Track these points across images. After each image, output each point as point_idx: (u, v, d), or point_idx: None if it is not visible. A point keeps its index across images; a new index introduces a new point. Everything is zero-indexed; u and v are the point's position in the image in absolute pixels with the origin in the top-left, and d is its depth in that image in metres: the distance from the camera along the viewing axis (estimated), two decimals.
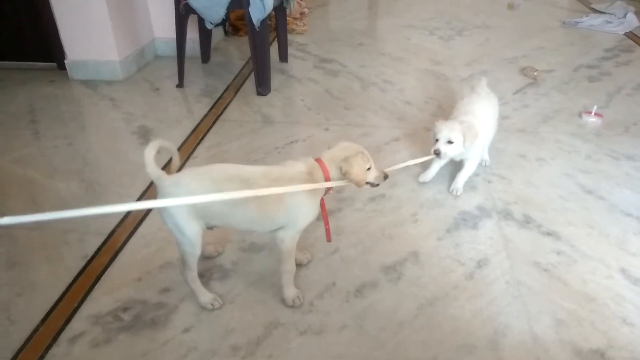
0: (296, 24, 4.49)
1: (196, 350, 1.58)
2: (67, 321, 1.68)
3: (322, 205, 1.66)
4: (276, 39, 3.81)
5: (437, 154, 2.12)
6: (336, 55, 3.94)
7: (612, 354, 1.58)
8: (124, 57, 3.46)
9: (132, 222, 2.11)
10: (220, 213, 1.55)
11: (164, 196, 1.50)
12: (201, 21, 3.39)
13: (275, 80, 3.47)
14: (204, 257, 1.91)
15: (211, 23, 3.27)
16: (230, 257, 1.95)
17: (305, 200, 1.56)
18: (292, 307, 1.73)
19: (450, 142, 2.11)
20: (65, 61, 3.45)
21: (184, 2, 3.11)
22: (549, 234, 2.06)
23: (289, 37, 3.96)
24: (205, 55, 3.77)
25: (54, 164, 2.54)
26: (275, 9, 3.33)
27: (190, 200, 1.42)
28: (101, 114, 3.05)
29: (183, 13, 3.19)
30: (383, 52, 4.02)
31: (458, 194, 2.29)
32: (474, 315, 1.71)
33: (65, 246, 2.00)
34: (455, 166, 2.47)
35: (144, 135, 2.77)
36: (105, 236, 2.04)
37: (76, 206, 2.17)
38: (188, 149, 2.64)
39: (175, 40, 3.29)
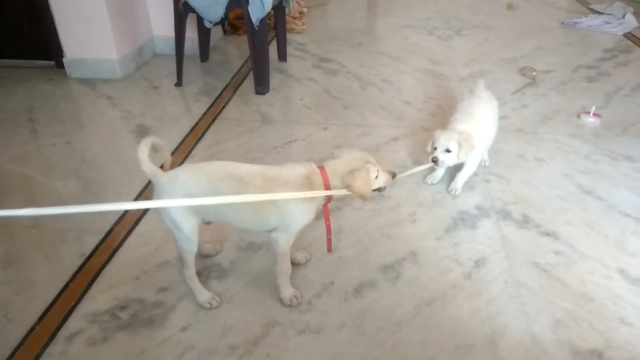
0: (295, 23, 4.49)
1: (194, 349, 1.58)
2: (65, 319, 1.67)
3: (325, 213, 1.65)
4: (275, 38, 3.81)
5: (435, 161, 2.15)
6: (335, 54, 3.93)
7: (610, 354, 1.58)
8: (122, 55, 3.45)
9: (130, 221, 2.10)
10: (215, 210, 1.56)
11: (160, 193, 1.51)
12: (200, 20, 3.38)
13: (274, 79, 3.47)
14: (202, 256, 1.90)
15: (210, 22, 3.26)
16: (229, 256, 1.94)
17: (298, 204, 1.53)
18: (290, 306, 1.73)
19: (448, 151, 2.14)
20: (64, 59, 3.44)
21: (183, 1, 3.10)
22: (547, 234, 2.07)
23: (288, 36, 3.95)
24: (204, 54, 3.77)
25: (52, 163, 2.53)
26: (274, 8, 3.32)
27: (184, 202, 1.45)
28: (99, 112, 3.05)
29: (182, 12, 3.18)
30: (382, 52, 4.02)
31: (457, 193, 2.29)
32: (472, 315, 1.70)
33: (63, 244, 1.99)
34: (456, 166, 2.47)
35: (143, 134, 2.76)
36: (103, 235, 2.03)
37: (74, 204, 2.19)
38: (186, 148, 2.64)
39: (174, 38, 3.29)
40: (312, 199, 1.55)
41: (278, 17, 3.62)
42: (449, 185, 2.34)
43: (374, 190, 1.62)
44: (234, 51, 4.04)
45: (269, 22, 3.85)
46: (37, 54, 3.56)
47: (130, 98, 3.21)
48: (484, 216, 2.16)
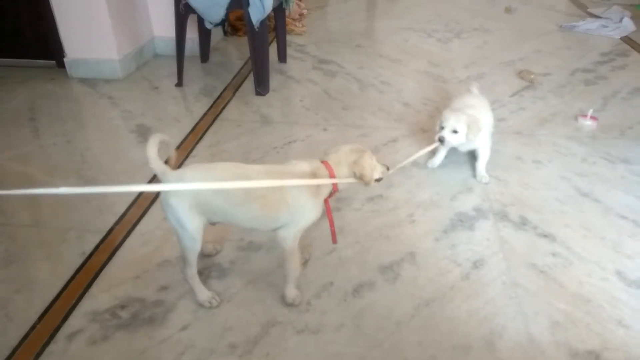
0: (295, 25, 4.50)
1: (194, 349, 1.59)
2: (65, 318, 1.68)
3: (327, 206, 1.68)
4: (275, 39, 3.82)
5: (441, 141, 2.21)
6: (335, 56, 3.95)
7: (607, 355, 1.59)
8: (123, 55, 3.46)
9: (130, 220, 2.11)
10: (222, 211, 1.55)
11: (168, 191, 1.52)
12: (201, 21, 3.39)
13: (274, 80, 3.48)
14: (203, 255, 1.91)
15: (211, 23, 3.28)
16: (229, 255, 1.95)
17: (308, 201, 1.57)
18: (292, 305, 1.74)
19: (455, 132, 2.19)
20: (65, 59, 3.45)
21: (184, 2, 3.11)
22: (545, 235, 2.08)
23: (288, 37, 3.97)
24: (205, 55, 3.78)
25: (53, 162, 2.54)
26: (274, 9, 3.33)
27: (193, 186, 1.46)
28: (100, 112, 3.05)
29: (183, 13, 3.19)
30: (381, 54, 4.04)
31: (485, 181, 2.39)
32: (470, 316, 1.72)
33: (64, 243, 2.00)
34: (455, 167, 2.49)
35: (143, 134, 2.77)
36: (103, 234, 2.04)
37: (75, 204, 2.21)
38: (187, 148, 2.65)
39: (174, 39, 3.30)
40: (318, 194, 1.59)
41: (278, 19, 3.64)
42: (445, 188, 2.35)
43: (375, 180, 1.68)
44: (234, 52, 4.06)
45: (269, 23, 3.87)
46: (38, 53, 3.56)
47: (130, 98, 3.22)
48: (482, 218, 2.18)
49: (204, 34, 3.66)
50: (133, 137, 2.75)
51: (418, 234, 2.08)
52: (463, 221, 2.16)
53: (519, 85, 3.47)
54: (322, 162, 1.62)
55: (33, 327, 1.65)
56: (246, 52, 3.54)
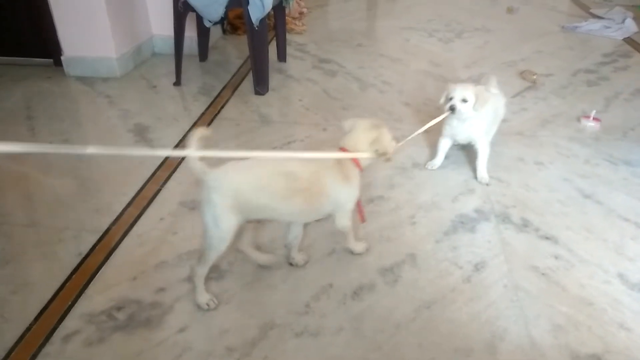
0: (295, 24, 4.48)
1: (191, 351, 1.57)
2: (61, 319, 1.66)
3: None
4: (275, 38, 3.80)
5: (453, 109, 2.20)
6: (335, 55, 3.93)
7: (609, 358, 1.57)
8: (121, 54, 3.44)
9: (127, 221, 2.09)
10: (265, 207, 1.58)
11: (209, 189, 1.52)
12: (199, 19, 3.37)
13: (274, 79, 3.46)
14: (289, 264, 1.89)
15: (209, 21, 3.25)
16: (227, 257, 1.93)
17: (343, 187, 1.66)
18: (360, 253, 1.90)
19: (464, 101, 2.19)
20: (62, 57, 3.43)
21: (183, 0, 3.09)
22: (547, 238, 2.06)
23: (288, 36, 3.95)
24: (203, 54, 3.76)
25: (49, 161, 2.52)
26: (274, 8, 3.31)
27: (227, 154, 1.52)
28: (97, 111, 3.03)
29: (182, 11, 3.17)
30: (382, 53, 4.01)
31: (485, 182, 2.37)
32: (471, 319, 1.70)
33: (60, 244, 1.98)
34: (455, 168, 2.47)
35: (140, 133, 2.75)
36: (100, 234, 2.02)
37: (71, 203, 2.19)
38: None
39: (173, 37, 3.28)
40: (350, 177, 1.66)
41: (278, 18, 3.62)
42: (446, 189, 2.33)
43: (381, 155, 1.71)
44: (233, 51, 4.03)
45: (268, 22, 3.84)
46: (36, 51, 3.54)
47: (128, 97, 3.20)
48: (484, 219, 2.16)
49: (203, 33, 3.64)
50: (130, 137, 2.73)
51: (419, 235, 2.06)
52: (464, 223, 2.14)
53: (521, 86, 3.45)
54: (341, 148, 1.68)
55: (29, 328, 1.63)
56: (245, 50, 3.52)
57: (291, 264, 1.89)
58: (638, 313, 1.73)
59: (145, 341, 1.59)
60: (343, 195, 1.67)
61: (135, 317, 1.67)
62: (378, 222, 2.13)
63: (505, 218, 2.17)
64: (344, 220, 1.75)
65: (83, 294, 1.75)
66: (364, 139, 1.66)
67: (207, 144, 1.56)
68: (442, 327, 1.66)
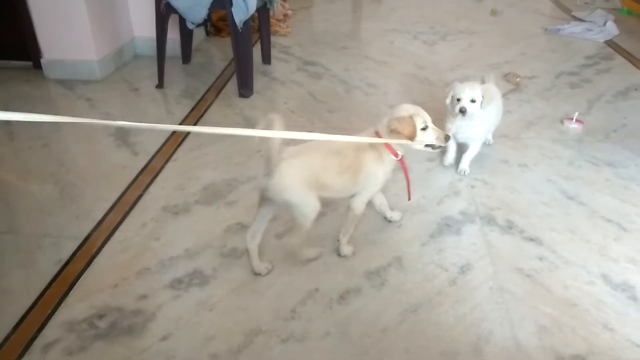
0: (279, 26, 4.46)
1: (174, 359, 1.54)
2: (41, 328, 1.62)
3: (403, 166, 1.87)
4: (259, 40, 3.78)
5: (463, 111, 2.22)
6: (320, 58, 3.92)
7: (593, 359, 1.58)
8: (102, 56, 3.39)
9: (108, 227, 2.05)
10: (325, 183, 1.74)
11: (280, 173, 1.65)
12: (182, 21, 3.33)
13: (258, 82, 3.44)
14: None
15: (193, 23, 3.22)
16: (211, 262, 1.90)
17: (375, 167, 1.80)
18: (346, 257, 1.94)
19: (473, 101, 2.22)
20: (42, 60, 3.37)
21: (165, 2, 3.05)
22: (531, 239, 2.07)
23: (272, 39, 3.93)
24: (186, 56, 3.72)
25: (29, 166, 2.46)
26: (258, 10, 3.29)
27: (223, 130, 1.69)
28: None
29: (164, 12, 3.13)
30: (367, 56, 4.02)
31: (465, 174, 2.44)
32: (457, 322, 1.69)
33: (39, 251, 1.93)
34: (441, 171, 2.48)
35: (122, 137, 2.70)
36: (80, 241, 1.98)
37: (50, 209, 2.14)
38: (167, 152, 2.58)
39: (155, 39, 3.24)
40: (383, 161, 1.80)
41: (262, 19, 3.60)
42: (431, 191, 2.33)
43: (427, 145, 1.81)
44: (217, 53, 4.00)
45: (252, 24, 3.82)
46: (15, 54, 3.47)
47: (109, 100, 3.15)
48: (469, 222, 2.16)
49: (186, 35, 3.61)
50: (111, 140, 2.68)
51: (405, 238, 2.06)
52: (450, 225, 2.14)
53: (505, 88, 3.46)
54: (375, 132, 1.81)
55: (7, 338, 1.59)
56: (229, 53, 3.50)
57: (390, 221, 2.13)
58: (621, 313, 1.74)
59: (128, 349, 1.56)
60: (378, 173, 1.82)
61: (117, 325, 1.64)
62: (364, 225, 2.12)
63: (490, 220, 2.17)
64: (361, 203, 1.87)
65: (63, 302, 1.72)
66: (386, 125, 1.78)
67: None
68: (429, 331, 1.66)
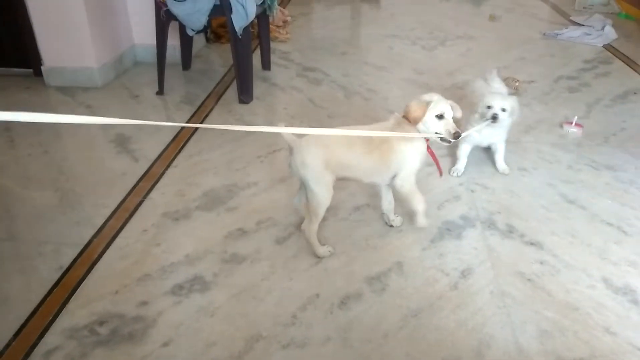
0: (279, 32, 4.48)
1: None
2: (41, 335, 1.62)
3: (430, 152, 1.92)
4: (259, 46, 3.79)
5: (495, 118, 2.30)
6: (319, 63, 3.93)
7: None
8: (102, 63, 3.40)
9: (109, 233, 2.05)
10: (350, 162, 1.83)
11: (302, 153, 1.77)
12: (182, 28, 3.34)
13: (258, 88, 3.45)
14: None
15: (192, 30, 3.23)
16: (211, 268, 1.90)
17: (408, 146, 1.86)
18: (423, 227, 2.07)
19: (504, 110, 2.31)
20: (42, 67, 3.38)
21: (165, 9, 3.07)
22: (532, 243, 2.07)
23: (272, 45, 3.94)
24: (186, 63, 3.73)
25: (29, 173, 2.47)
26: (257, 16, 3.31)
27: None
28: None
29: (164, 20, 3.14)
30: (366, 61, 4.03)
31: (507, 172, 2.52)
32: (458, 326, 1.69)
33: (40, 257, 1.93)
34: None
35: (122, 144, 2.71)
36: (81, 247, 1.98)
37: (51, 216, 2.14)
38: (168, 158, 2.59)
39: (155, 46, 3.25)
40: (412, 141, 1.86)
41: (262, 26, 3.61)
42: (432, 194, 2.34)
43: (437, 133, 1.83)
44: (217, 59, 4.02)
45: (252, 30, 3.83)
46: (15, 62, 3.48)
47: (109, 107, 3.16)
48: (469, 226, 2.16)
49: (186, 41, 3.62)
50: (112, 147, 2.68)
51: (405, 243, 2.06)
52: (450, 230, 2.14)
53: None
54: (403, 116, 1.87)
55: (8, 345, 1.59)
56: (229, 59, 3.51)
57: (391, 226, 2.13)
58: (623, 317, 1.74)
59: (129, 356, 1.56)
60: (410, 153, 1.87)
61: (118, 332, 1.64)
62: (364, 230, 2.12)
63: (490, 224, 2.17)
64: (406, 184, 1.92)
65: (64, 309, 1.71)
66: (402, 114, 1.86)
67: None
68: (430, 336, 1.66)
